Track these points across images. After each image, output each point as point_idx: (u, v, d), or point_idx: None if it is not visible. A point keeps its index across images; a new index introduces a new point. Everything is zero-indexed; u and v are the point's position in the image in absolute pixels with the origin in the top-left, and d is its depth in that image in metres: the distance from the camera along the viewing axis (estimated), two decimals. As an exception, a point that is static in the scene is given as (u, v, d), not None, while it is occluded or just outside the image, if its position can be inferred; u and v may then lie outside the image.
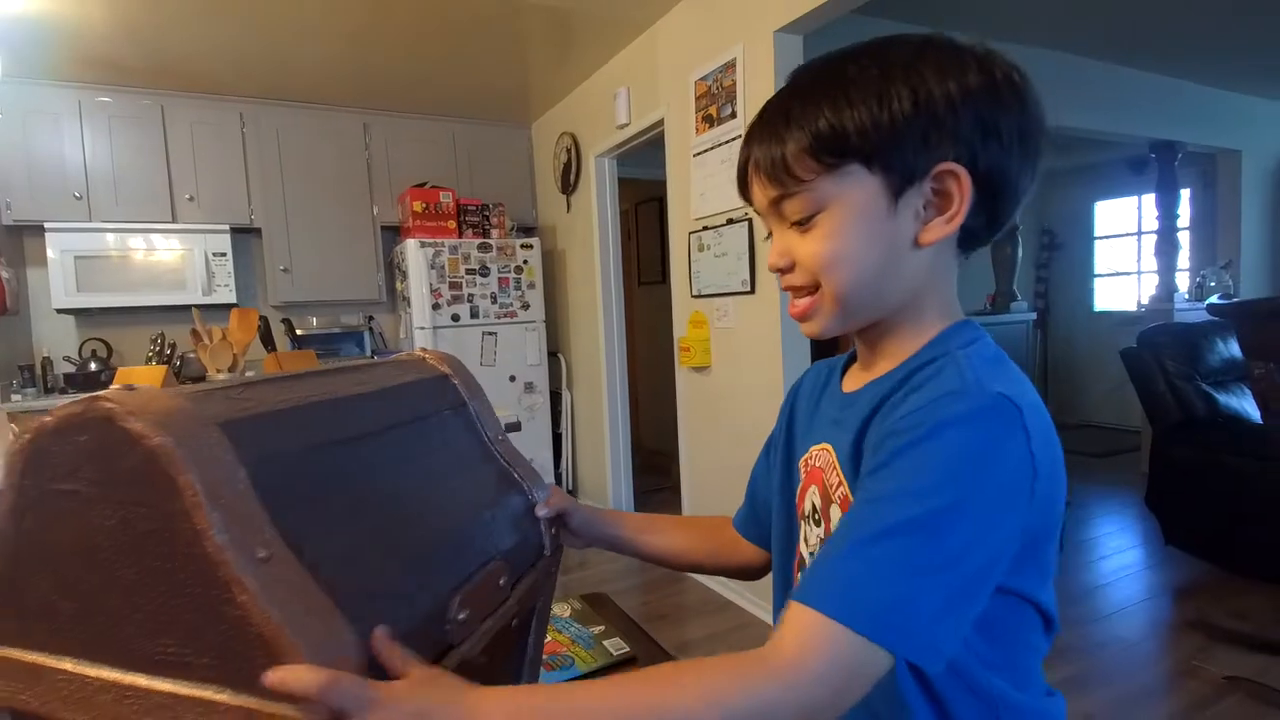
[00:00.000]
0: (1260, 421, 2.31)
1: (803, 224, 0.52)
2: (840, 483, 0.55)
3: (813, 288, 0.54)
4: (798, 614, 0.42)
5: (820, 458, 0.59)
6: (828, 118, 0.48)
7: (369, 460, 0.50)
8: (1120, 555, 3.01)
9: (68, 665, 0.39)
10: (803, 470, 0.62)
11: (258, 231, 3.55)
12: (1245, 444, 2.41)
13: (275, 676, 0.35)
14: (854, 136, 0.48)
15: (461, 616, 0.48)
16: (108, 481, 0.37)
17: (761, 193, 0.54)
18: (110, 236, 3.18)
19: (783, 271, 0.56)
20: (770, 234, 0.57)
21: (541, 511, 0.64)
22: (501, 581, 0.55)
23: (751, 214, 2.28)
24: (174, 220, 3.31)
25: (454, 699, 0.39)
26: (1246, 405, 2.65)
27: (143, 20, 2.61)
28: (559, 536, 0.67)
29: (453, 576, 0.49)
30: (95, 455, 0.37)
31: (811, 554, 0.61)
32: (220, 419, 0.40)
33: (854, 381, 0.61)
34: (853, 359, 0.64)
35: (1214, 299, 2.31)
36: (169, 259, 3.28)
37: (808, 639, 0.41)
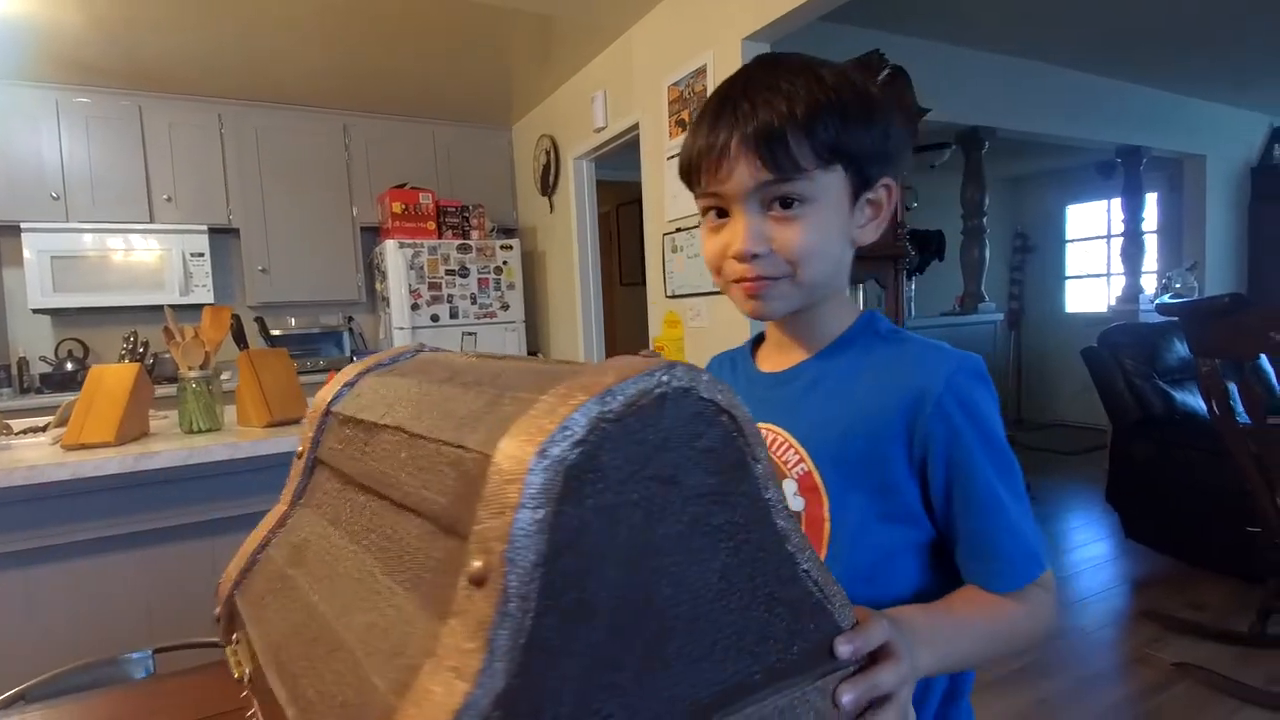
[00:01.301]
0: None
1: (786, 208, 0.56)
2: (801, 459, 0.60)
3: (779, 274, 0.57)
4: (1044, 585, 0.56)
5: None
6: (834, 124, 0.54)
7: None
8: (1084, 549, 3.09)
9: None
10: None
11: (236, 232, 3.56)
12: (1198, 440, 2.49)
13: (853, 645, 0.37)
14: (848, 143, 0.55)
15: None
16: (680, 474, 0.31)
17: (750, 174, 0.55)
18: (87, 237, 3.18)
19: (754, 256, 0.57)
20: (719, 218, 0.59)
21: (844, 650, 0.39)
22: None
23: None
24: (151, 221, 3.32)
25: (902, 623, 0.45)
26: (1201, 402, 2.74)
27: (120, 22, 2.63)
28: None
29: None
30: (665, 444, 0.31)
31: None
32: None
33: (777, 363, 0.66)
34: (755, 345, 0.70)
35: (1164, 299, 2.39)
36: (146, 259, 3.29)
37: (1048, 584, 0.56)
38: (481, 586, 0.27)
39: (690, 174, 0.61)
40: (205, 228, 3.40)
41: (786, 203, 0.56)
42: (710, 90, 2.39)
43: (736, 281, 0.59)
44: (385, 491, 0.40)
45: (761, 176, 0.55)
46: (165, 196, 3.35)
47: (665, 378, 0.30)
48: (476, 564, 0.27)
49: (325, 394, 0.53)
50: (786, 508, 0.35)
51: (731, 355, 0.75)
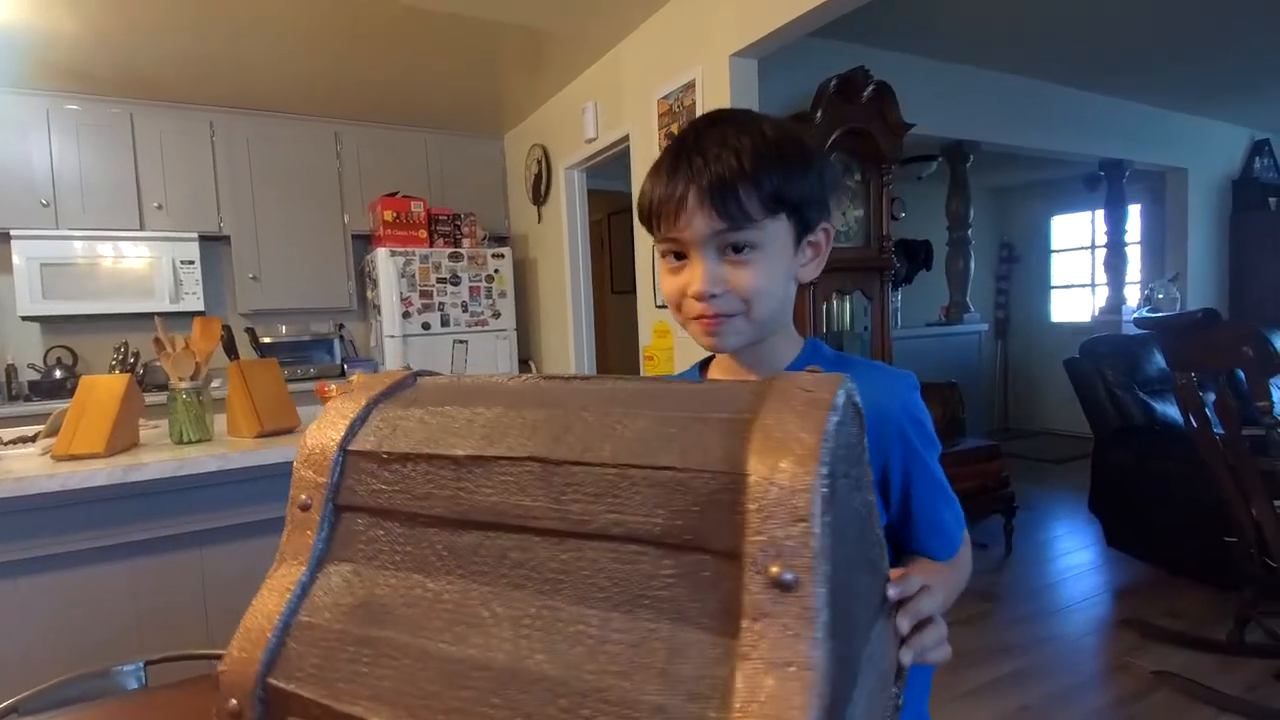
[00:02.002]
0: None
1: (739, 253, 0.62)
2: None
3: (734, 311, 0.64)
4: (965, 541, 0.72)
5: None
6: (778, 176, 0.61)
7: None
8: (1068, 557, 3.13)
9: None
10: None
11: (227, 239, 3.56)
12: (1177, 450, 2.54)
13: (900, 589, 0.47)
14: (793, 196, 0.62)
15: None
16: (851, 468, 0.37)
17: (706, 223, 0.61)
18: (77, 244, 3.18)
19: (712, 296, 0.63)
20: (677, 260, 0.65)
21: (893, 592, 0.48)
22: None
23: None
24: (142, 228, 3.32)
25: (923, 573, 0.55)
26: (1180, 413, 2.79)
27: (115, 30, 2.64)
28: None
29: None
30: (850, 443, 0.36)
31: None
32: None
33: None
34: (703, 369, 0.77)
35: (1141, 313, 2.44)
36: (136, 267, 3.28)
37: (967, 539, 0.72)
38: (791, 590, 0.30)
39: (649, 219, 0.67)
40: (196, 235, 3.41)
41: (739, 248, 0.63)
42: (699, 104, 2.43)
43: (695, 318, 0.66)
44: (529, 524, 0.38)
45: (716, 225, 0.61)
46: (156, 204, 3.35)
47: (850, 386, 0.37)
48: (776, 570, 0.31)
49: (328, 434, 0.46)
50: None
51: (681, 378, 0.81)
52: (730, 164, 0.60)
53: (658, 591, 0.34)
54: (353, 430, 0.46)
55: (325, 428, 0.47)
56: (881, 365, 0.71)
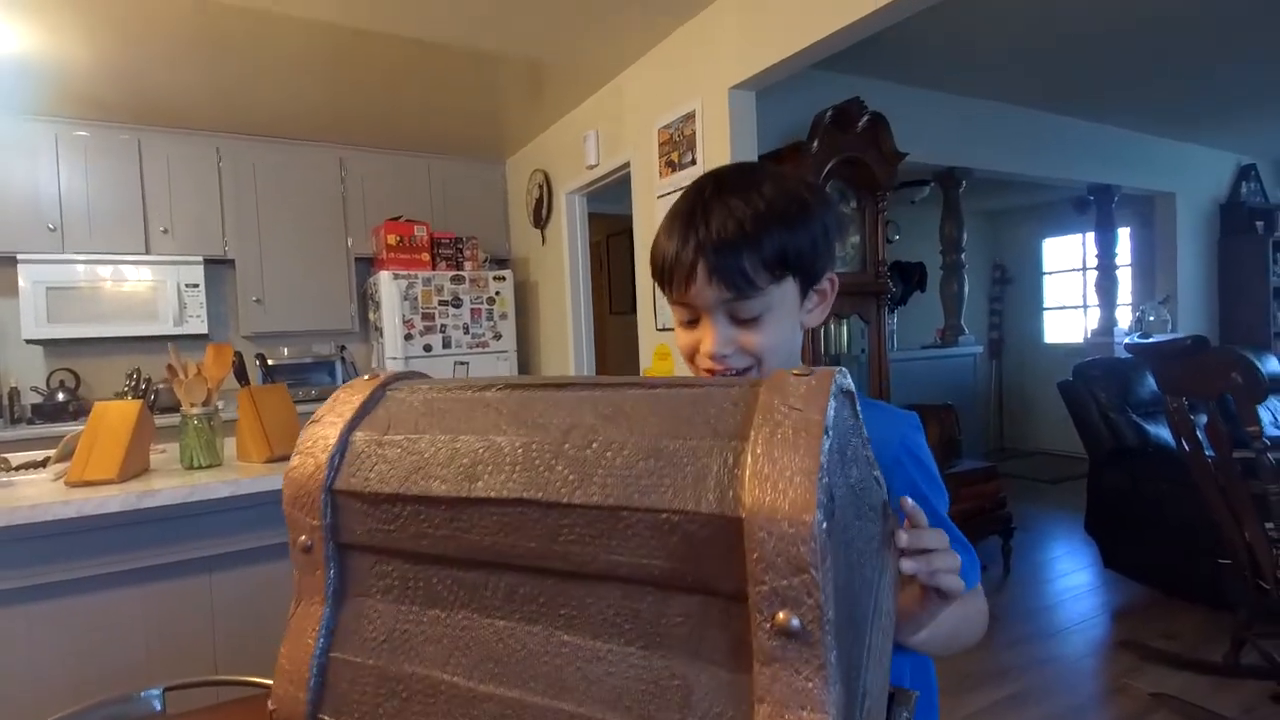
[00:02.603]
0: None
1: (747, 318, 0.66)
2: None
3: (746, 366, 0.67)
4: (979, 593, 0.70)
5: None
6: (780, 241, 0.64)
7: None
8: (1067, 578, 3.15)
9: None
10: None
11: (231, 263, 3.60)
12: (1170, 472, 2.57)
13: (909, 536, 0.48)
14: (796, 258, 0.65)
15: None
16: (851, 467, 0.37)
17: (715, 294, 0.64)
18: (82, 268, 3.21)
19: (724, 356, 0.66)
20: (686, 322, 0.69)
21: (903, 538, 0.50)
22: None
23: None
24: (147, 252, 3.36)
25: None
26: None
27: (125, 59, 2.69)
28: None
29: None
30: (847, 455, 0.37)
31: None
32: None
33: None
34: None
35: (1133, 338, 2.48)
36: (141, 290, 3.31)
37: (981, 592, 0.70)
38: (799, 636, 0.31)
39: (661, 279, 0.70)
40: (201, 259, 3.44)
41: (747, 314, 0.66)
42: (699, 134, 2.49)
43: (708, 371, 0.70)
44: (531, 564, 0.39)
45: (725, 295, 0.65)
46: (162, 228, 3.39)
47: (843, 378, 0.36)
48: (783, 618, 0.31)
49: (311, 471, 0.45)
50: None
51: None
52: (734, 234, 0.63)
53: (670, 629, 0.35)
54: (334, 465, 0.45)
55: (306, 462, 0.46)
56: (884, 405, 0.73)
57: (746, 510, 0.31)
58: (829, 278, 0.70)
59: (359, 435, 0.46)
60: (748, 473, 0.32)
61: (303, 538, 0.46)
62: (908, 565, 0.47)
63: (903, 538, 0.47)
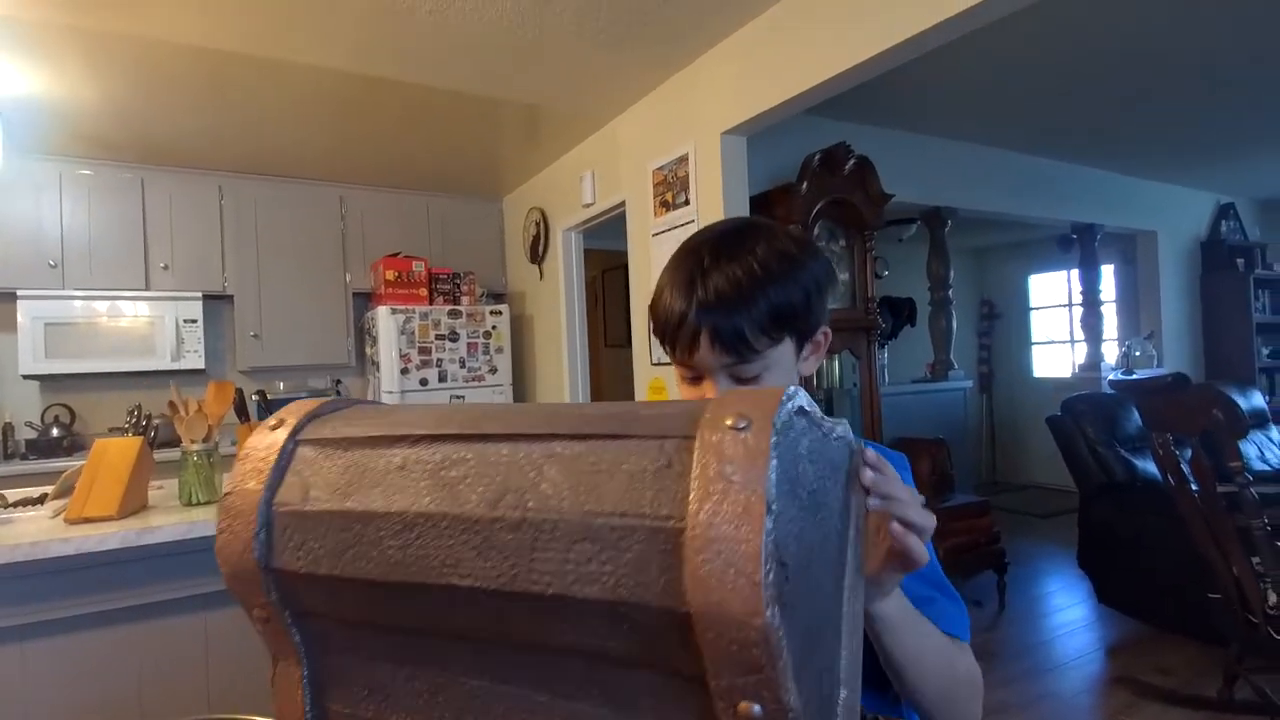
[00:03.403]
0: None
1: (749, 378, 0.69)
2: None
3: None
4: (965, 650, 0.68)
5: None
6: (776, 305, 0.67)
7: None
8: (1061, 613, 3.15)
9: None
10: None
11: (230, 298, 3.64)
12: (1160, 506, 2.60)
13: (872, 476, 0.47)
14: (791, 318, 0.69)
15: None
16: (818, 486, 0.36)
17: (715, 358, 0.68)
18: (81, 303, 3.23)
19: None
20: (690, 379, 0.72)
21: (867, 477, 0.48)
22: None
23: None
24: (147, 288, 3.39)
25: None
26: (1162, 469, 2.87)
27: (133, 102, 2.76)
28: None
29: None
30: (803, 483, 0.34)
31: None
32: None
33: None
34: None
35: (1117, 375, 2.54)
36: (139, 325, 3.34)
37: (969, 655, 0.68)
38: (764, 718, 0.30)
39: (663, 339, 0.73)
40: (200, 294, 3.48)
41: (746, 374, 0.69)
42: (692, 176, 2.56)
43: None
44: (484, 640, 0.38)
45: (724, 360, 0.68)
46: (162, 264, 3.43)
47: (794, 402, 0.34)
48: (745, 707, 0.30)
49: (241, 550, 0.42)
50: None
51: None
52: (733, 300, 0.67)
53: (637, 699, 0.34)
54: (261, 541, 0.42)
55: (232, 542, 0.42)
56: (874, 445, 0.76)
57: (692, 608, 0.29)
58: (823, 331, 0.74)
59: (279, 509, 0.42)
60: (688, 565, 0.29)
61: (255, 610, 0.44)
62: (874, 502, 0.47)
63: (867, 475, 0.46)
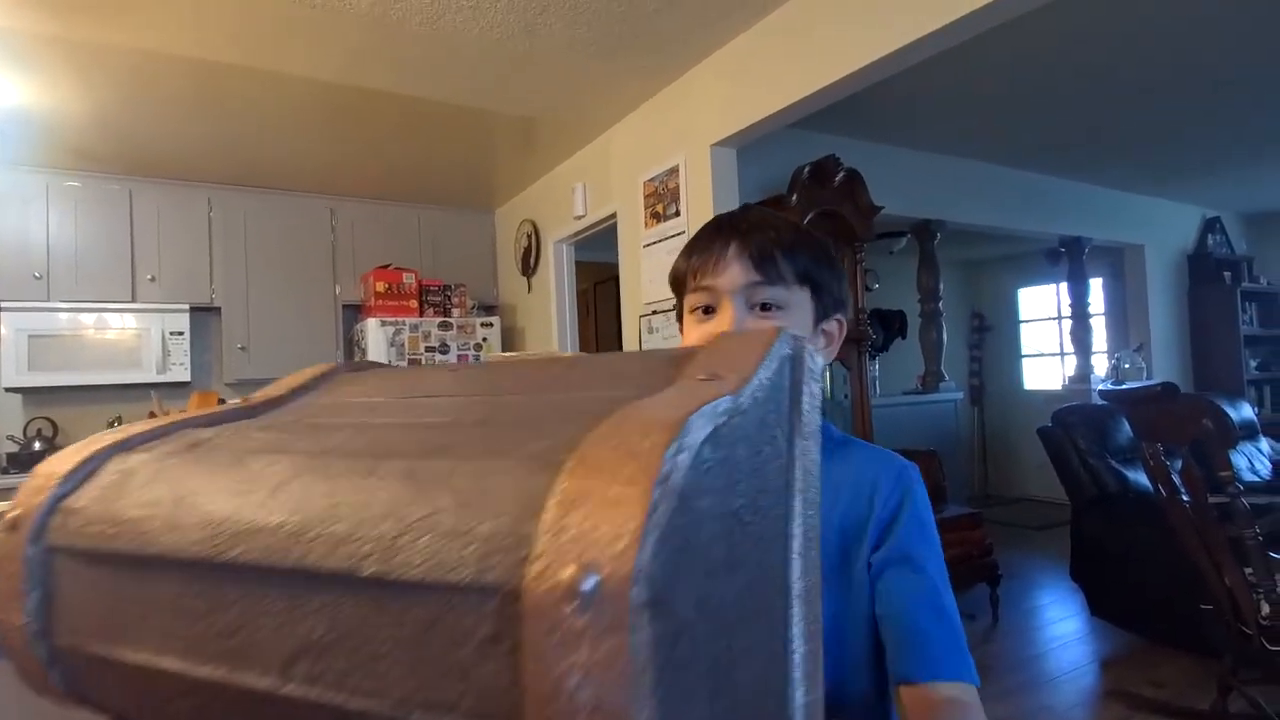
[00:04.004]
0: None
1: (766, 310, 0.67)
2: None
3: None
4: (964, 687, 0.59)
5: None
6: (808, 258, 0.68)
7: None
8: (1055, 626, 3.13)
9: None
10: None
11: (217, 310, 3.61)
12: (1152, 517, 2.59)
13: None
14: (817, 275, 0.69)
15: None
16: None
17: (742, 274, 0.67)
18: (66, 315, 3.20)
19: None
20: (705, 315, 0.69)
21: None
22: None
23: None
24: (133, 300, 3.36)
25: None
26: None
27: (122, 114, 2.75)
28: None
29: None
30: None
31: None
32: None
33: None
34: None
35: (1106, 385, 2.54)
36: (125, 338, 3.30)
37: (975, 697, 0.59)
38: None
39: (683, 276, 0.71)
40: (187, 307, 3.45)
41: (767, 306, 0.67)
42: (683, 188, 2.57)
43: None
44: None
45: (752, 278, 0.66)
46: (149, 276, 3.41)
47: (721, 407, 0.25)
48: None
49: (34, 499, 0.32)
50: None
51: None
52: (770, 235, 0.67)
53: None
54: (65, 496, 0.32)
55: (35, 495, 0.32)
56: (888, 452, 0.72)
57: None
58: (837, 319, 0.73)
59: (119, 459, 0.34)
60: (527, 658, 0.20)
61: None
62: None
63: None
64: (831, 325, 0.72)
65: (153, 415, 1.63)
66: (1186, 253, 5.16)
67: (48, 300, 3.19)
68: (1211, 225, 5.24)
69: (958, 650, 0.60)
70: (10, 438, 3.22)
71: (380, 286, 3.65)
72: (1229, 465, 1.86)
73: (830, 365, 2.97)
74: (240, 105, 2.73)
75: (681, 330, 0.74)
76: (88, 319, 3.25)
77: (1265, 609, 1.83)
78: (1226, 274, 5.04)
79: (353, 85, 2.58)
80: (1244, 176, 4.44)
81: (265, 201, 3.70)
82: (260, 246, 3.67)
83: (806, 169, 2.67)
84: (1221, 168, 4.23)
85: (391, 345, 3.55)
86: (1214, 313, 4.99)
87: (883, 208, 2.85)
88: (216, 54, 2.31)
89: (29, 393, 3.31)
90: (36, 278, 3.18)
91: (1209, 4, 2.33)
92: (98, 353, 3.25)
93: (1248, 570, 1.87)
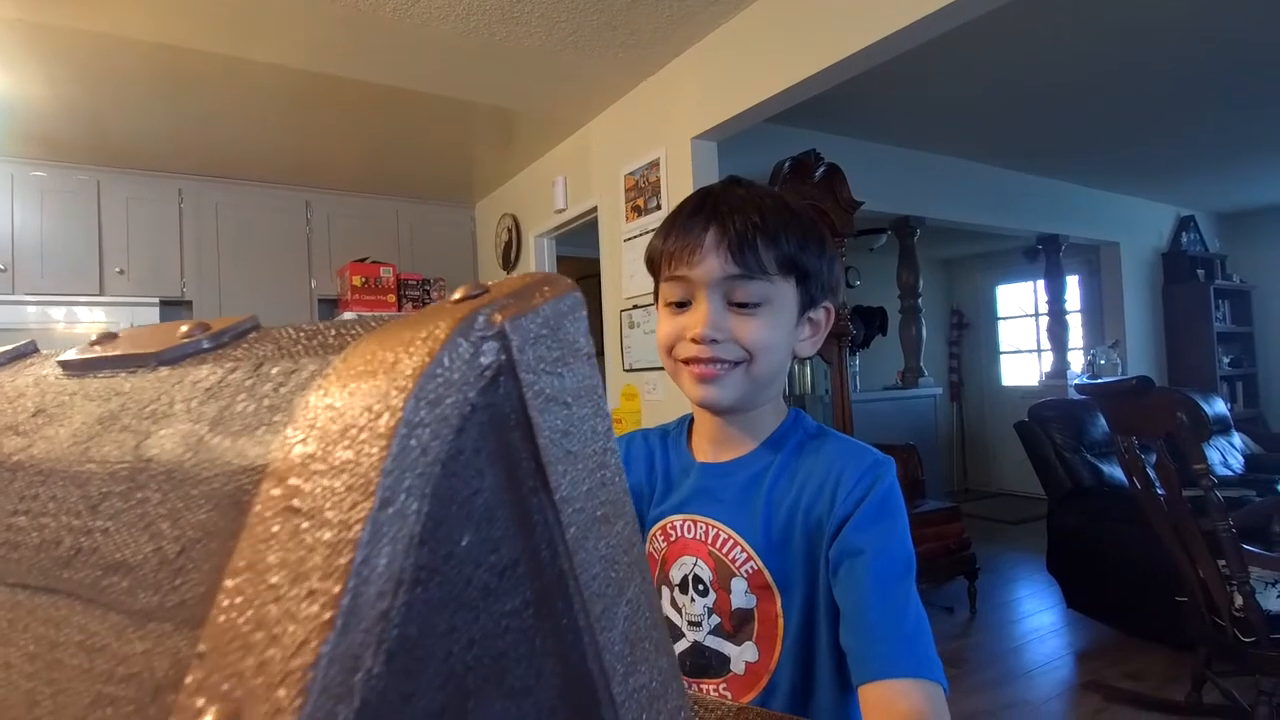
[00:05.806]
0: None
1: (746, 308, 0.61)
2: (750, 557, 0.64)
3: (735, 362, 0.62)
4: (923, 685, 0.54)
5: (695, 529, 0.67)
6: (795, 242, 0.62)
7: None
8: (1031, 619, 3.16)
9: None
10: (660, 538, 0.70)
11: (188, 304, 3.53)
12: (1127, 511, 2.62)
13: None
14: (803, 261, 0.63)
15: None
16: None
17: (720, 266, 0.60)
18: (33, 309, 3.12)
19: (713, 342, 0.61)
20: (679, 309, 0.64)
21: None
22: None
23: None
24: (101, 293, 3.27)
25: None
26: (1127, 475, 2.90)
27: (87, 101, 2.67)
28: None
29: None
30: None
31: (691, 623, 0.66)
32: None
33: (711, 455, 0.70)
34: (688, 432, 0.74)
35: (1083, 379, 2.57)
36: (91, 332, 3.21)
37: (937, 697, 0.54)
38: None
39: (659, 259, 0.66)
40: (157, 300, 3.37)
41: (745, 304, 0.62)
42: (663, 181, 2.55)
43: (687, 362, 0.63)
44: None
45: (730, 270, 0.61)
46: (118, 269, 3.32)
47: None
48: None
49: None
50: None
51: (663, 430, 0.77)
52: (753, 219, 0.61)
53: None
54: None
55: None
56: (862, 446, 0.66)
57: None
58: (826, 307, 0.68)
59: None
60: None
61: None
62: None
63: None
64: (819, 314, 0.67)
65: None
66: (1161, 251, 5.24)
67: (13, 293, 3.10)
68: (1185, 224, 5.32)
69: (917, 645, 0.55)
70: (-28, 435, 3.12)
71: (357, 280, 3.59)
72: (1203, 458, 1.88)
73: (810, 360, 2.97)
74: (211, 94, 2.66)
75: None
76: (56, 313, 3.16)
77: (1238, 601, 1.85)
78: (1200, 272, 5.12)
79: (326, 73, 2.52)
80: (1218, 176, 4.51)
81: (238, 193, 3.62)
82: (233, 239, 3.59)
83: (787, 163, 2.66)
84: (1196, 168, 4.29)
85: (369, 340, 3.49)
86: (1187, 310, 5.07)
87: (863, 203, 2.85)
88: (184, 39, 2.25)
89: (-9, 389, 3.21)
90: (1, 270, 3.09)
91: (1182, 5, 2.35)
92: (65, 347, 3.15)
93: (1221, 563, 1.89)
